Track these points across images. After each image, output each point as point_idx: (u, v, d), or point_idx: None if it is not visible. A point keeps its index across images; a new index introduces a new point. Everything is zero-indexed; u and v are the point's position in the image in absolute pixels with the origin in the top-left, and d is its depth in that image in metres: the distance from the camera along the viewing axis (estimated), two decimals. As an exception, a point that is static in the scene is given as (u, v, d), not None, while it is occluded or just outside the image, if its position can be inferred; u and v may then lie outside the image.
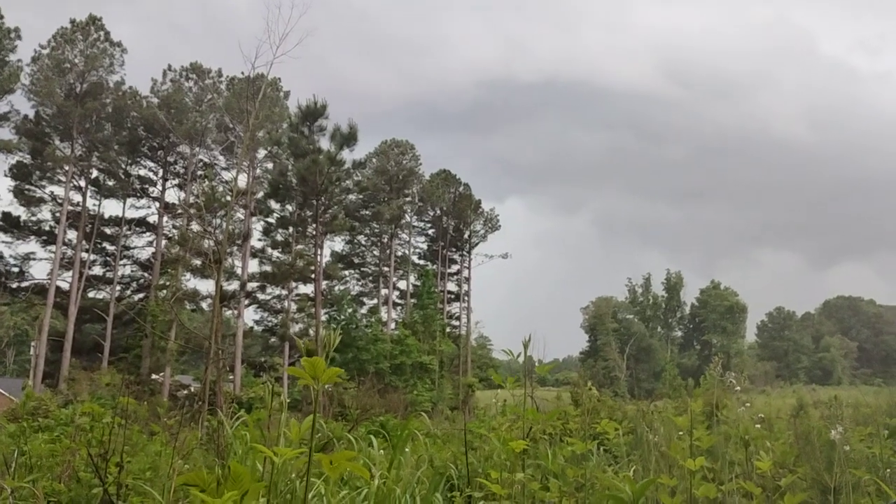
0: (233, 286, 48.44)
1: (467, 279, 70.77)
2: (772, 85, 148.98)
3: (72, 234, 49.37)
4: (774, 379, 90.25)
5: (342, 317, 56.39)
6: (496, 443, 4.46)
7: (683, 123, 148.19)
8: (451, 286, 71.17)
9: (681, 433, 5.32)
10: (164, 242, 51.74)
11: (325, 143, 39.83)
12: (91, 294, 50.90)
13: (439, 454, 6.80)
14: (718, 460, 4.79)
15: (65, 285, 48.13)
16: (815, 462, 4.84)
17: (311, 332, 46.13)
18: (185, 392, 43.32)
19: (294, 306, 51.81)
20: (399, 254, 66.94)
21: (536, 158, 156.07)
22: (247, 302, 51.78)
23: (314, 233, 45.18)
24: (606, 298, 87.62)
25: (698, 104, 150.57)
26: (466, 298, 70.75)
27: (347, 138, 37.60)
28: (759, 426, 5.36)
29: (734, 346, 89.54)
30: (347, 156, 41.62)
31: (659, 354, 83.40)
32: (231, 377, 45.47)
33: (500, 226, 70.37)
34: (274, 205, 50.63)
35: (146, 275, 53.18)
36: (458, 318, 70.71)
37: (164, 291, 47.94)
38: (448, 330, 66.21)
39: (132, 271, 54.20)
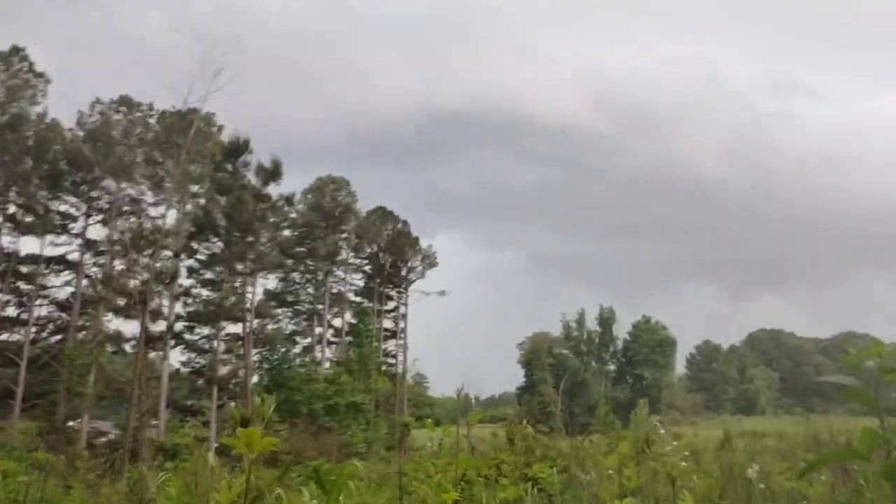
0: (159, 327, 46.83)
1: (404, 316, 70.50)
2: (690, 122, 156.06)
3: (-16, 274, 46.93)
4: (703, 410, 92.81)
5: (274, 357, 55.11)
6: (428, 491, 4.44)
7: (609, 159, 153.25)
8: (388, 323, 70.72)
9: (610, 472, 5.43)
10: (84, 281, 49.68)
11: (251, 179, 39.56)
12: (3, 336, 48.24)
13: (373, 499, 6.70)
14: (646, 498, 4.90)
15: (-25, 328, 45.57)
16: (737, 497, 5.01)
17: (241, 373, 44.93)
18: (105, 440, 41.26)
19: (223, 346, 50.39)
20: (334, 291, 66.18)
21: (465, 192, 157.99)
22: (173, 343, 50.04)
23: (244, 270, 44.39)
24: (542, 334, 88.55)
25: (623, 139, 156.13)
26: (403, 336, 70.39)
27: (272, 174, 37.40)
28: (684, 462, 5.51)
29: (665, 378, 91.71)
30: (274, 191, 41.39)
31: (593, 389, 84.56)
32: (155, 423, 43.64)
33: (437, 262, 70.60)
34: (201, 242, 49.58)
35: (64, 315, 50.78)
36: (395, 356, 70.20)
37: (84, 333, 45.90)
38: (384, 368, 65.55)
39: (49, 312, 51.63)
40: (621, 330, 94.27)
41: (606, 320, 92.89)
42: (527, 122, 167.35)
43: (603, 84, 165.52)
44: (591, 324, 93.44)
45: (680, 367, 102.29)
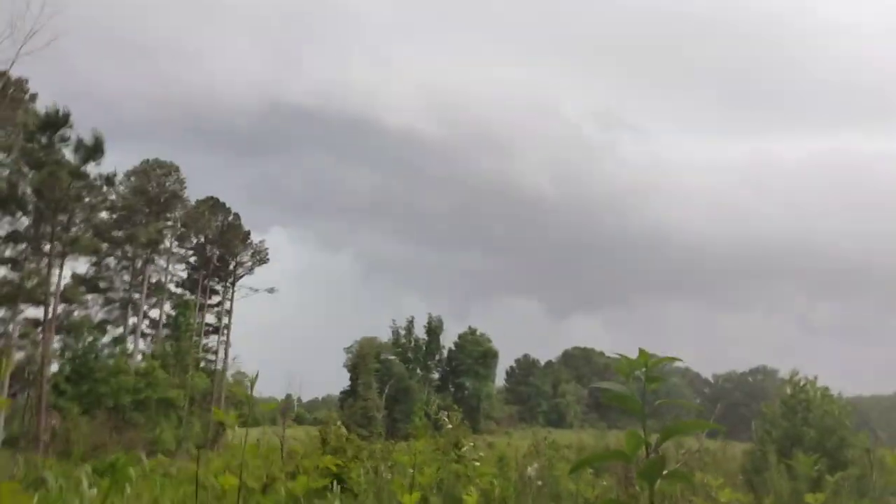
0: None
1: (228, 312, 67.66)
2: (526, 142, 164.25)
3: None
4: (518, 421, 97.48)
5: (79, 345, 50.75)
6: (214, 481, 4.37)
7: (447, 170, 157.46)
8: (211, 318, 67.52)
9: (410, 470, 5.62)
10: None
11: (69, 155, 36.45)
12: None
13: (168, 495, 6.41)
14: (439, 494, 5.12)
15: None
16: (526, 497, 5.39)
17: (38, 361, 41.01)
18: None
19: (20, 331, 45.56)
20: (153, 280, 62.11)
21: (302, 189, 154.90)
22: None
23: (52, 252, 40.49)
24: (370, 339, 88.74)
25: (463, 152, 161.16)
26: (226, 332, 67.50)
27: (93, 151, 34.66)
28: (489, 466, 5.83)
29: (485, 389, 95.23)
30: (94, 169, 38.50)
31: (417, 395, 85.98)
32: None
33: (268, 259, 68.56)
34: (3, 217, 44.66)
35: None
36: (216, 352, 67.10)
37: None
38: (203, 364, 62.47)
39: None
40: (448, 339, 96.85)
41: (434, 329, 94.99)
42: (370, 126, 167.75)
43: (448, 97, 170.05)
44: (420, 331, 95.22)
45: (499, 380, 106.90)
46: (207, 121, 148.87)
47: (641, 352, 2.49)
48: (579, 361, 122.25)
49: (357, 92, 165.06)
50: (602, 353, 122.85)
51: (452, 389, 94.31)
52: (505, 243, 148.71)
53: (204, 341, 65.37)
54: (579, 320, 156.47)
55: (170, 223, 61.97)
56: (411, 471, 5.66)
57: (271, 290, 68.01)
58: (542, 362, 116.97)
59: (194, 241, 65.25)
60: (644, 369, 2.41)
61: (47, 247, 42.98)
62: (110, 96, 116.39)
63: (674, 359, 3.43)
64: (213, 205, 65.22)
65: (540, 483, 4.85)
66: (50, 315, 44.79)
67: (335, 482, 6.87)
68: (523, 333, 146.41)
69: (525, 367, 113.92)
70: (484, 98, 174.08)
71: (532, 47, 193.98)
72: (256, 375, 4.20)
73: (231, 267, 66.76)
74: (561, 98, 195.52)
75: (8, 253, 46.94)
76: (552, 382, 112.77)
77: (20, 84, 44.58)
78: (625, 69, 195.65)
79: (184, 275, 65.86)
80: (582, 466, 5.04)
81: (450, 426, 5.68)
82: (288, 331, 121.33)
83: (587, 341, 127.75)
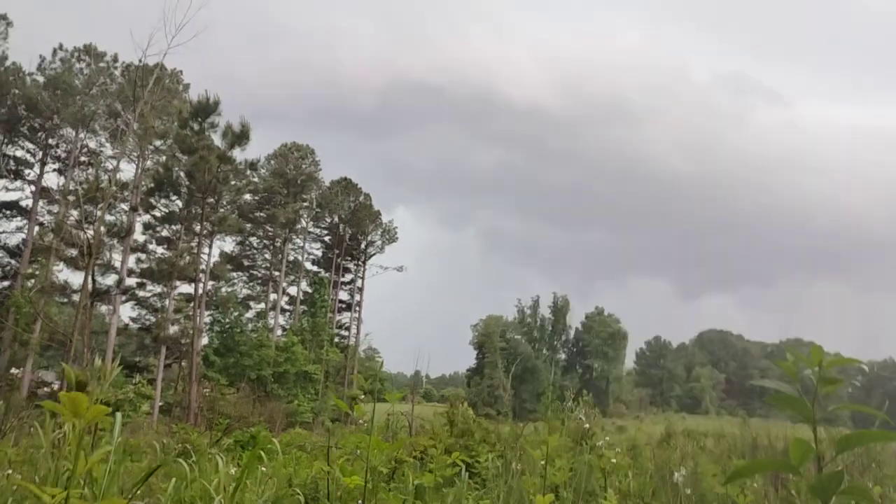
0: (109, 280, 45.71)
1: (360, 289, 70.14)
2: (652, 114, 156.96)
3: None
4: (649, 405, 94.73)
5: (226, 319, 54.42)
6: (339, 474, 4.28)
7: (572, 147, 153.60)
8: (343, 295, 70.35)
9: (542, 463, 5.34)
10: (36, 229, 48.15)
11: (217, 141, 38.87)
12: (-52, 278, 46.60)
13: (302, 473, 6.53)
14: (574, 492, 4.81)
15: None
16: (667, 499, 4.97)
17: (190, 333, 44.26)
18: (48, 390, 40.58)
19: (175, 306, 49.48)
20: (291, 259, 65.47)
21: (426, 166, 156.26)
22: (124, 298, 48.96)
23: (202, 231, 43.53)
24: (496, 317, 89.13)
25: (586, 124, 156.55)
26: (358, 309, 70.09)
27: (239, 137, 36.71)
28: (614, 458, 5.46)
29: (614, 371, 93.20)
30: (239, 155, 40.86)
31: (543, 376, 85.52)
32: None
33: (397, 238, 70.32)
34: (160, 200, 48.47)
35: (13, 262, 49.23)
36: (348, 329, 69.92)
37: (32, 281, 44.61)
38: (336, 340, 65.25)
39: (-1, 257, 49.90)
40: (574, 319, 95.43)
41: (560, 308, 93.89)
42: (492, 100, 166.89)
43: (571, 67, 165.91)
44: (545, 310, 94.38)
45: (629, 361, 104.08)
46: (335, 103, 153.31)
47: (815, 349, 2.14)
48: (715, 344, 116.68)
49: (478, 66, 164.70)
50: (741, 337, 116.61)
51: (580, 371, 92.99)
52: (631, 220, 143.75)
53: (337, 318, 68.23)
54: (712, 300, 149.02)
55: (306, 204, 64.92)
56: (542, 462, 5.39)
57: (400, 269, 69.71)
58: (675, 345, 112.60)
59: (328, 220, 68.05)
60: (817, 369, 2.06)
61: (198, 227, 46.19)
62: (246, 83, 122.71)
63: (856, 361, 2.92)
64: (346, 185, 67.58)
65: (689, 492, 4.42)
66: (200, 291, 48.20)
67: (464, 469, 6.71)
68: (652, 314, 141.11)
69: (656, 350, 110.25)
70: (607, 66, 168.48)
71: (656, 8, 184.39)
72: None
73: (362, 246, 69.08)
74: (688, 61, 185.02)
75: (164, 233, 51.06)
76: (685, 366, 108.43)
77: (175, 75, 48.01)
78: (757, 29, 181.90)
79: (319, 253, 69.03)
80: (740, 477, 4.55)
81: (587, 426, 5.35)
82: (415, 307, 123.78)
83: (721, 322, 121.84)
